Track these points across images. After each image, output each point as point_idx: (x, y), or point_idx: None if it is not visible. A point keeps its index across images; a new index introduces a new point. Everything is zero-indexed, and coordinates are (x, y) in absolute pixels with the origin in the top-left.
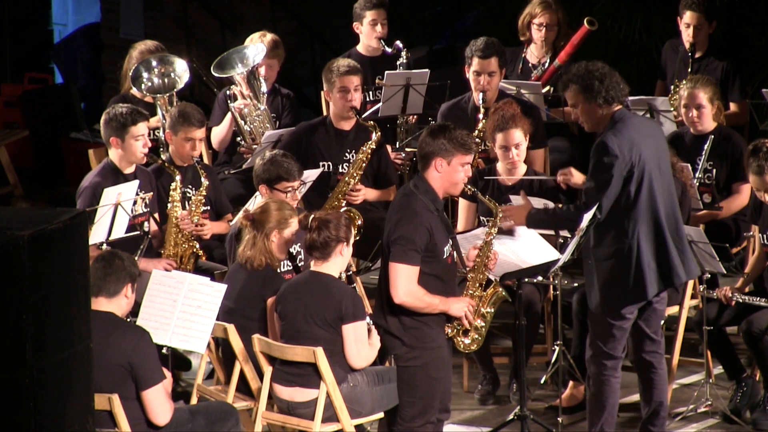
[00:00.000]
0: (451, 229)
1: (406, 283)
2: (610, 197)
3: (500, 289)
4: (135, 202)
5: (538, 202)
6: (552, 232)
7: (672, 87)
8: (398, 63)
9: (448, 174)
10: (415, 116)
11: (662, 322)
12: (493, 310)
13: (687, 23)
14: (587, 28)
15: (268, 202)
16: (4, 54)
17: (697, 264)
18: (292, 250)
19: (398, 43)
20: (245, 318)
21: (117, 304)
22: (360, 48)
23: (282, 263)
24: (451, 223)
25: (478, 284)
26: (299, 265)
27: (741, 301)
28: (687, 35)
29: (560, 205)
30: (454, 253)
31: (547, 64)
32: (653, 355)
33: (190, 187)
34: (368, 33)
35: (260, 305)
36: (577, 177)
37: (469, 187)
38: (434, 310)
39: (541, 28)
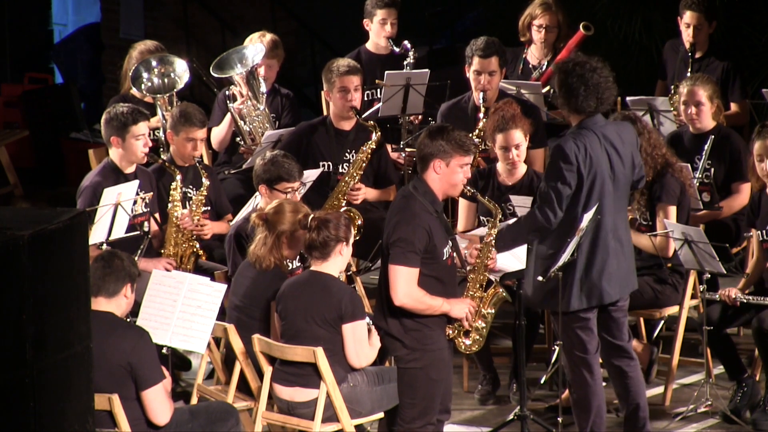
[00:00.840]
0: (450, 231)
1: (405, 286)
2: (563, 203)
3: (500, 290)
4: (135, 202)
5: None
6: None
7: (672, 87)
8: (405, 63)
9: (447, 175)
10: (419, 116)
11: (661, 325)
12: (493, 311)
13: (687, 23)
14: (583, 33)
15: (283, 203)
16: (4, 54)
17: (697, 264)
18: None
19: (406, 43)
20: (248, 317)
21: (116, 304)
22: (369, 45)
23: (291, 262)
24: (451, 223)
25: (478, 285)
26: (308, 266)
27: (746, 301)
28: (687, 35)
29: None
30: (454, 254)
31: (545, 66)
32: (622, 360)
33: (190, 187)
34: (377, 31)
35: (264, 305)
36: None
37: (468, 188)
38: (435, 311)
39: (540, 30)
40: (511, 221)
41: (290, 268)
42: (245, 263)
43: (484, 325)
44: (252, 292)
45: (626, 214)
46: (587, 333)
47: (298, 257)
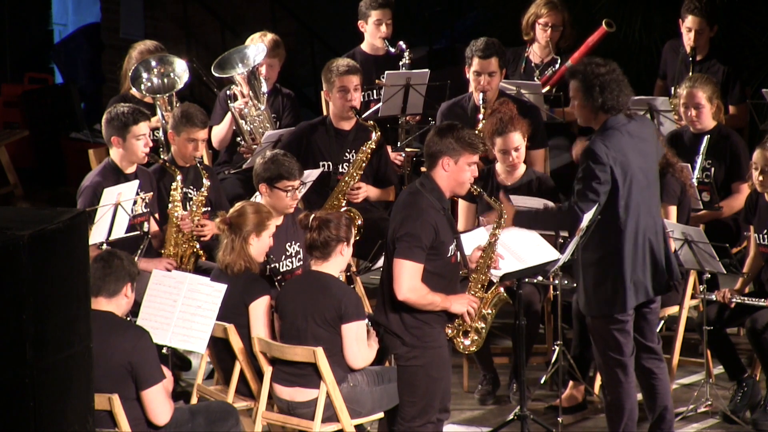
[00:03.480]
0: (455, 229)
1: (409, 280)
2: (597, 202)
3: (501, 291)
4: (135, 202)
5: (537, 202)
6: (552, 232)
7: (672, 89)
8: (401, 63)
9: (455, 173)
10: (417, 116)
11: (661, 325)
12: (493, 312)
13: (688, 27)
14: (605, 30)
15: (245, 205)
16: (4, 54)
17: (697, 264)
18: (291, 249)
19: (401, 43)
20: (236, 326)
21: (116, 304)
22: (364, 46)
23: (282, 263)
24: None
25: (480, 285)
26: (277, 269)
27: (740, 301)
28: (688, 39)
29: (551, 205)
30: (458, 252)
31: (558, 65)
32: (652, 361)
33: (191, 187)
34: (372, 32)
35: (245, 311)
36: None
37: (475, 187)
38: (435, 307)
39: (546, 28)
40: (542, 208)
41: (290, 268)
42: (215, 272)
43: (483, 325)
44: (228, 300)
45: (660, 211)
46: (624, 336)
47: (264, 259)
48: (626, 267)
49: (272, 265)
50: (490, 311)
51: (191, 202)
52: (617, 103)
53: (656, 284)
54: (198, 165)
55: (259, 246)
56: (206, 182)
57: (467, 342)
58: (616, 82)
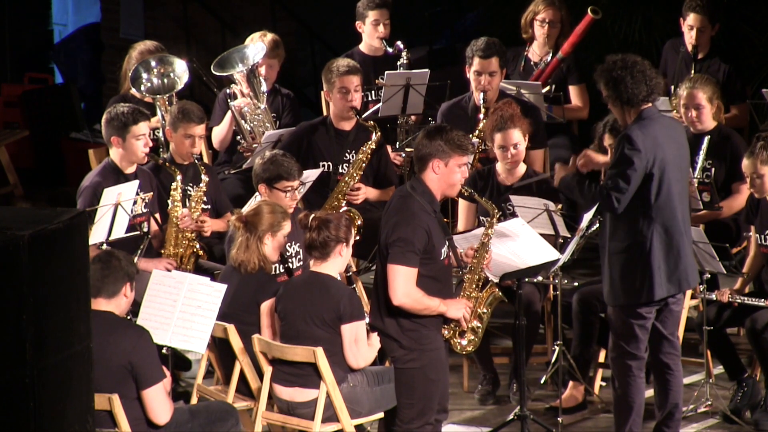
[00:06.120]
0: (447, 231)
1: (404, 285)
2: (631, 189)
3: (496, 290)
4: (135, 202)
5: (537, 203)
6: (552, 233)
7: (672, 88)
8: (399, 63)
9: (446, 175)
10: (416, 116)
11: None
12: (489, 311)
13: (690, 25)
14: (591, 17)
15: (261, 204)
16: (4, 54)
17: (697, 264)
18: (291, 250)
19: (399, 43)
20: (243, 323)
21: (116, 304)
22: (362, 47)
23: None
24: (451, 223)
25: (474, 285)
26: (291, 267)
27: (740, 302)
28: (690, 37)
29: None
30: (451, 254)
31: (550, 58)
32: (670, 356)
33: (190, 185)
34: (370, 33)
35: (255, 310)
36: (597, 158)
37: (465, 188)
38: (432, 312)
39: (544, 25)
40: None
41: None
42: (227, 269)
43: (480, 325)
44: (240, 298)
45: (688, 207)
46: (643, 331)
47: (279, 259)
48: (657, 256)
49: (287, 265)
50: (485, 310)
51: (190, 199)
52: (635, 94)
53: (691, 277)
54: (196, 162)
55: (273, 245)
56: (204, 178)
57: (464, 342)
58: (641, 73)
